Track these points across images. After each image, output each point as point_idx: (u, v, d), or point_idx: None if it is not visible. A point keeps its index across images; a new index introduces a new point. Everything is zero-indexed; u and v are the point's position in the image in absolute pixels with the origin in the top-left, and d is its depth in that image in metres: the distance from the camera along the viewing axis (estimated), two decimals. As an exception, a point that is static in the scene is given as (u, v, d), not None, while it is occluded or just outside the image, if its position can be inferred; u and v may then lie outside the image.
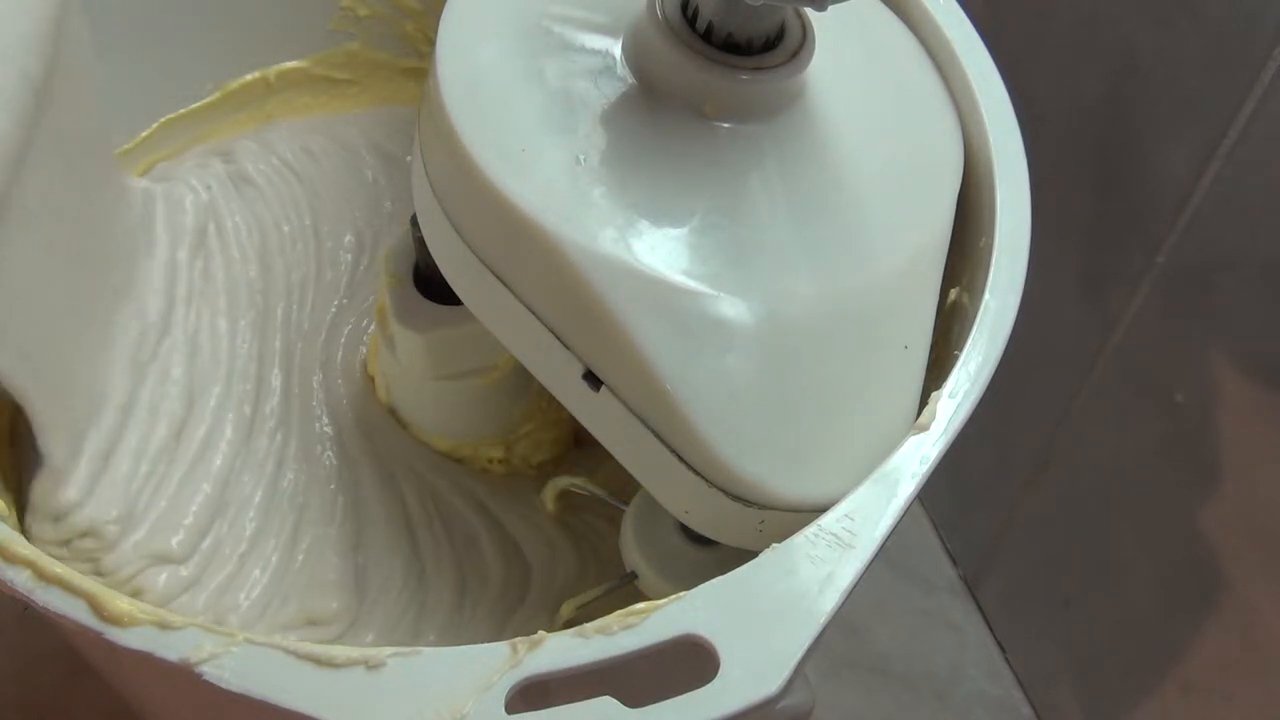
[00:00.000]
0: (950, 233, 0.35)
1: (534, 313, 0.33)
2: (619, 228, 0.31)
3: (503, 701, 0.26)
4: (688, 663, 0.27)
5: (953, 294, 0.35)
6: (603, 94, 0.33)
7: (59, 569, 0.28)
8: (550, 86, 0.33)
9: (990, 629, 0.62)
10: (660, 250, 0.31)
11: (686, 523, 0.33)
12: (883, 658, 0.61)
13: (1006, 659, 0.62)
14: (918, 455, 0.30)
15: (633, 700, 0.26)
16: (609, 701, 0.26)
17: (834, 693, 0.59)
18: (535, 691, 0.26)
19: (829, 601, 0.27)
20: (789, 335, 0.31)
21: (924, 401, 0.32)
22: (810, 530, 0.29)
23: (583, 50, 0.34)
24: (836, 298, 0.32)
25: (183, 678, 0.26)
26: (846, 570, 0.28)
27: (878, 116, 0.36)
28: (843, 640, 0.60)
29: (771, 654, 0.27)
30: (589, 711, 0.25)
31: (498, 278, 0.33)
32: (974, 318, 0.33)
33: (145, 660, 0.26)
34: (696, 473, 0.31)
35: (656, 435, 0.32)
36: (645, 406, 0.32)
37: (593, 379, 0.32)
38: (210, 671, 0.26)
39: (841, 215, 0.33)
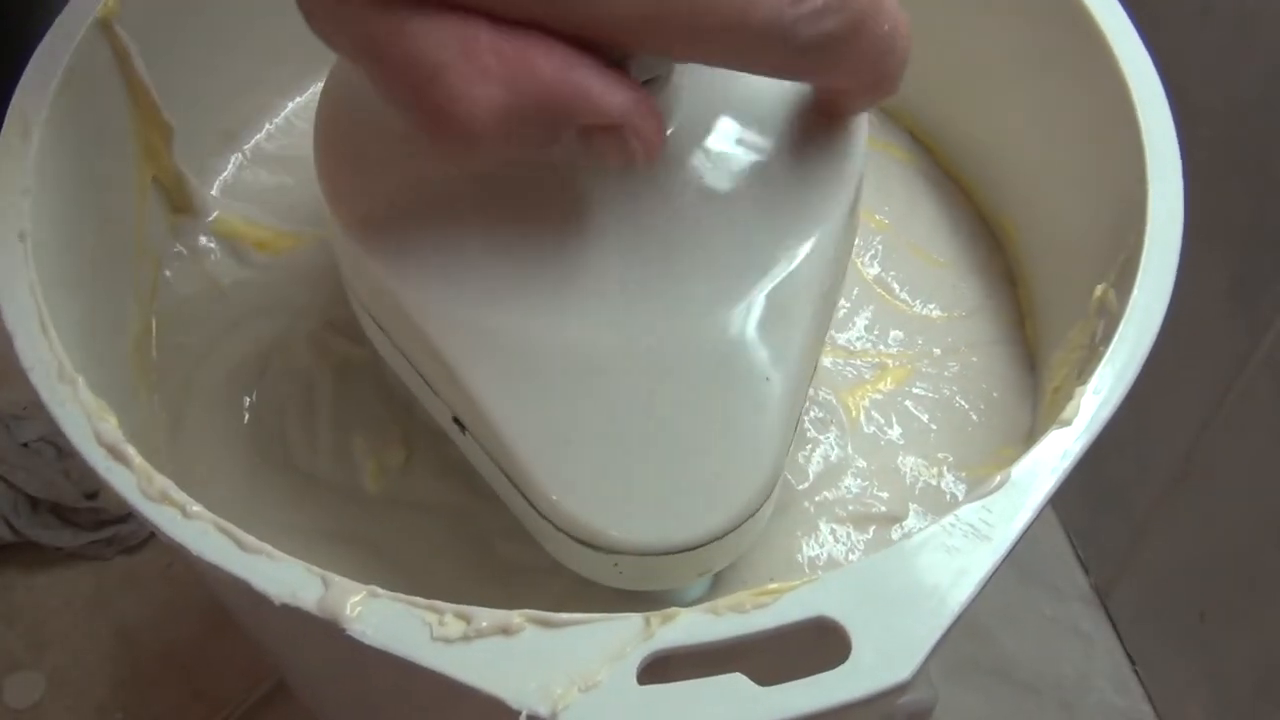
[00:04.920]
0: (839, 249, 0.34)
1: (408, 360, 0.34)
2: (460, 281, 0.32)
3: (634, 672, 0.26)
4: (810, 646, 0.27)
5: (1099, 290, 0.35)
6: None
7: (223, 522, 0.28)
8: (407, 145, 0.33)
9: (1120, 640, 0.61)
10: (497, 301, 0.31)
11: (558, 559, 0.33)
12: (1008, 662, 0.60)
13: (1136, 671, 0.60)
14: (1059, 450, 0.30)
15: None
16: (739, 678, 0.26)
17: (956, 694, 0.58)
18: (656, 666, 0.26)
19: (963, 592, 0.27)
20: (630, 378, 0.31)
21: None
22: (947, 520, 0.28)
23: None
24: (677, 337, 0.32)
25: (327, 633, 0.27)
26: (982, 562, 0.28)
27: (767, 128, 0.34)
28: (968, 642, 0.60)
29: (903, 640, 0.26)
30: (720, 686, 0.26)
31: (379, 327, 0.35)
32: (1121, 314, 0.32)
33: (291, 613, 0.27)
34: (544, 516, 0.32)
35: (508, 478, 0.32)
36: (494, 451, 0.32)
37: (459, 422, 0.33)
38: (354, 627, 0.26)
39: (698, 249, 0.32)
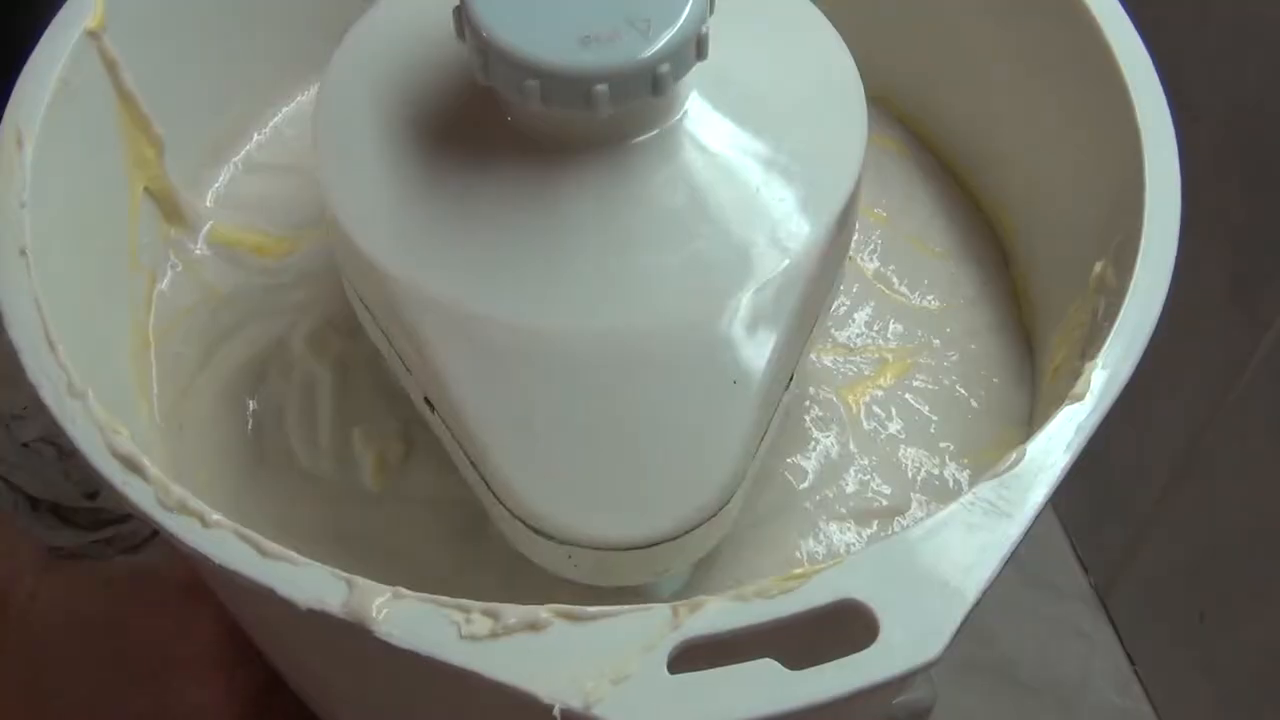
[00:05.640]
0: (827, 254, 0.34)
1: (386, 337, 0.34)
2: (439, 262, 0.32)
3: (665, 662, 0.26)
4: (833, 629, 0.27)
5: (1097, 267, 0.35)
6: (460, 131, 0.33)
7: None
8: (406, 122, 0.34)
9: (1120, 640, 0.61)
10: (473, 284, 0.31)
11: (515, 546, 0.34)
12: (1008, 662, 0.60)
13: (1136, 671, 0.60)
14: (1072, 425, 0.30)
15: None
16: (771, 663, 0.26)
17: (955, 694, 0.58)
18: (684, 655, 0.26)
19: (987, 569, 0.27)
20: (595, 371, 0.31)
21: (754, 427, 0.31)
22: (966, 498, 0.28)
23: (447, 87, 0.34)
24: (649, 334, 0.32)
25: (353, 636, 0.27)
26: (1003, 539, 0.28)
27: (763, 128, 0.34)
28: (967, 642, 0.59)
29: (930, 620, 0.27)
30: (752, 672, 0.25)
31: (365, 306, 0.35)
32: (1124, 290, 0.32)
33: (316, 618, 0.27)
34: (500, 501, 0.32)
35: (470, 462, 0.32)
36: (459, 434, 0.32)
37: (429, 402, 0.33)
38: (381, 629, 0.26)
39: (680, 246, 0.32)
